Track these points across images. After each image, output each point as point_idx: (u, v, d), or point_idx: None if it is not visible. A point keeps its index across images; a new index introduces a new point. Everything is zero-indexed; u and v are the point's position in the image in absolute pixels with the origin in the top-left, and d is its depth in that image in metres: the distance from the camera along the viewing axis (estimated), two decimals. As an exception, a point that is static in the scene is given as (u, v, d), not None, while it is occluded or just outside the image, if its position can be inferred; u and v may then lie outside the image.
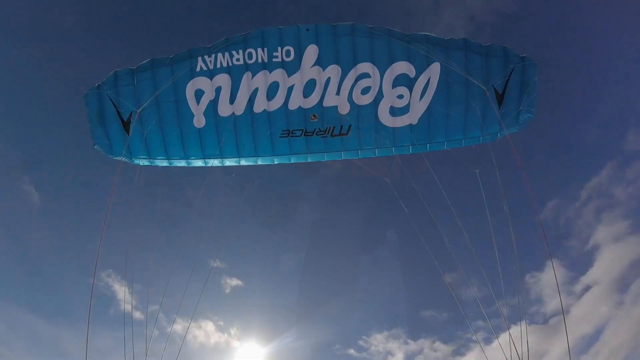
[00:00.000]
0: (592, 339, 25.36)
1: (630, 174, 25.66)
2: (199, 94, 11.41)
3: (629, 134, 25.61)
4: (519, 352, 7.87)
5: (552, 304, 25.40)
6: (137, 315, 10.60)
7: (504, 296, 8.73)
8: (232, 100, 11.51)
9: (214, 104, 11.53)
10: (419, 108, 11.22)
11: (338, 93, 11.35)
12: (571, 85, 25.95)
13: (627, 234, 25.74)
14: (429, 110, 11.19)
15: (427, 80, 11.00)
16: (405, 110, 11.31)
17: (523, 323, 8.15)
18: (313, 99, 11.47)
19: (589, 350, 24.89)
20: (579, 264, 26.80)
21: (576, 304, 26.12)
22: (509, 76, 10.60)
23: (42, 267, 26.04)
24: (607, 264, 26.03)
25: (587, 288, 26.25)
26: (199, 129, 11.78)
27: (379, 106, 11.37)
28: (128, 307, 10.08)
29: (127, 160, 11.94)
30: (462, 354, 26.31)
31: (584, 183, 27.12)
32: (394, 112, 11.36)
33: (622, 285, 25.72)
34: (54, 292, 25.97)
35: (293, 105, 11.54)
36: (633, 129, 25.14)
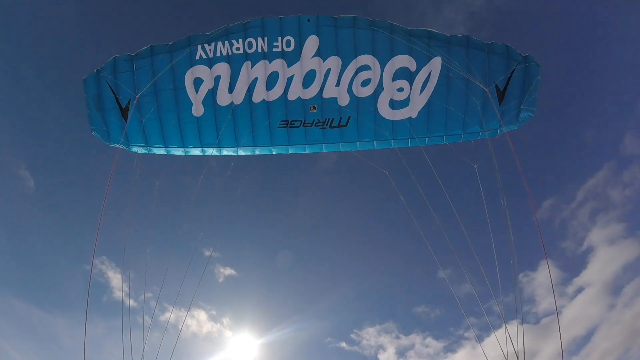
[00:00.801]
0: (583, 340, 25.57)
1: (626, 177, 25.63)
2: (198, 82, 11.33)
3: (627, 137, 25.54)
4: (515, 349, 7.92)
5: (544, 304, 25.53)
6: (130, 303, 10.65)
7: (500, 293, 8.77)
8: (231, 89, 11.44)
9: (212, 93, 11.46)
10: (419, 102, 11.18)
11: (338, 84, 11.29)
12: (570, 86, 25.83)
13: (621, 237, 25.74)
14: (429, 104, 11.15)
15: (427, 74, 10.94)
16: (405, 103, 11.26)
17: (517, 321, 8.20)
18: (313, 90, 11.41)
19: (580, 352, 25.09)
20: (573, 265, 26.85)
21: (569, 305, 26.24)
22: (511, 74, 10.53)
23: (36, 253, 26.01)
24: (600, 266, 26.07)
25: (579, 289, 26.37)
26: (198, 118, 11.73)
27: (379, 99, 11.32)
28: (126, 298, 10.06)
29: (124, 147, 11.89)
30: (454, 351, 26.52)
31: (580, 184, 27.08)
32: (394, 105, 11.31)
33: (615, 288, 25.84)
34: (48, 279, 25.97)
35: (292, 95, 11.48)
36: (630, 132, 25.06)
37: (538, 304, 26.21)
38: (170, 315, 10.75)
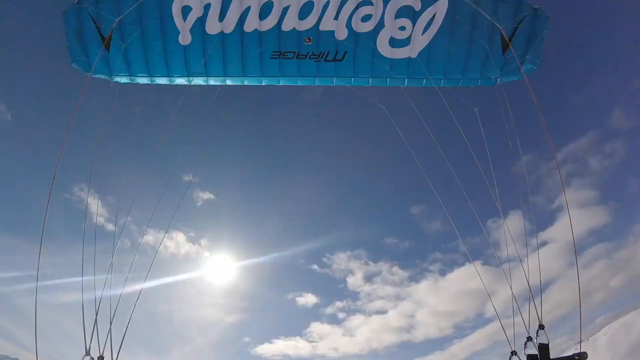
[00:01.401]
0: (539, 290, 27.88)
1: (608, 148, 26.30)
2: (186, 10, 10.51)
3: (616, 111, 25.78)
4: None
5: (506, 250, 27.23)
6: (110, 227, 10.72)
7: (506, 228, 9.52)
8: (221, 17, 10.71)
9: (201, 21, 10.71)
10: (420, 42, 10.86)
11: (336, 18, 10.75)
12: (570, 48, 25.18)
13: (592, 203, 27.08)
14: (430, 46, 10.86)
15: (432, 15, 10.53)
16: (405, 42, 10.93)
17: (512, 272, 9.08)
18: (309, 22, 10.84)
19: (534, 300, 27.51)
20: (541, 220, 28.22)
21: (531, 255, 28.01)
22: (519, 24, 10.32)
23: (14, 183, 24.95)
24: (566, 226, 27.64)
25: (543, 243, 28.14)
26: (185, 47, 11.04)
27: (379, 35, 10.90)
28: (99, 219, 10.11)
29: (107, 77, 11.16)
30: (417, 281, 28.58)
31: (561, 146, 27.64)
32: (394, 43, 10.96)
33: (577, 249, 27.72)
34: (26, 208, 25.29)
35: (287, 26, 10.88)
36: (620, 107, 25.35)
37: (502, 249, 27.87)
38: (161, 241, 10.93)
